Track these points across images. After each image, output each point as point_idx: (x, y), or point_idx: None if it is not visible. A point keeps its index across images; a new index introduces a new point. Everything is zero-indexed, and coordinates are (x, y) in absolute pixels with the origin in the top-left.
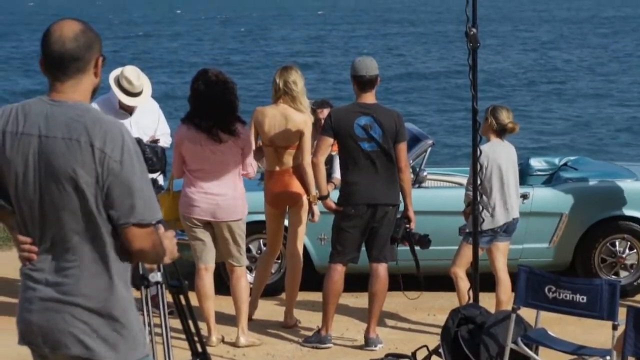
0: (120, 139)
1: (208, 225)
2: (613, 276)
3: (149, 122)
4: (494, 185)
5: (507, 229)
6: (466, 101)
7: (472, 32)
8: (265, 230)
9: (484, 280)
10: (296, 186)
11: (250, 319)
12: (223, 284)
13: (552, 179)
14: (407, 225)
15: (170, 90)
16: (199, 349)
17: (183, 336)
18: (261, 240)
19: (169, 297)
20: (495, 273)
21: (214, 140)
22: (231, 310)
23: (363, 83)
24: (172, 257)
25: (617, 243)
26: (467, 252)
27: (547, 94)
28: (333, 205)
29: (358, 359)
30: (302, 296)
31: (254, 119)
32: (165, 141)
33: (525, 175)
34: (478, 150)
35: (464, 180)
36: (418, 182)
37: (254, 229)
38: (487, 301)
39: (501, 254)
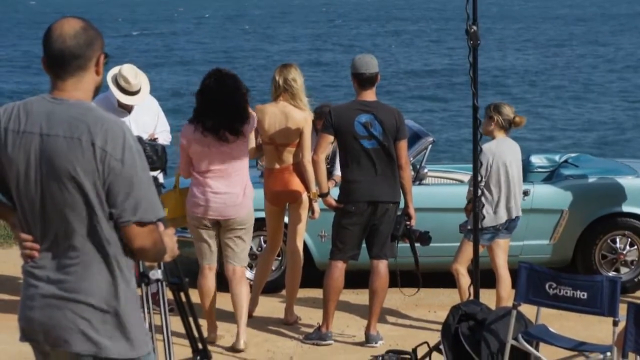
0: (121, 137)
1: (215, 225)
2: (613, 272)
3: (148, 119)
4: (498, 182)
5: (509, 227)
6: (468, 100)
7: (472, 30)
8: (265, 228)
9: (484, 276)
10: (296, 183)
11: (250, 316)
12: (223, 281)
13: (552, 176)
14: (408, 223)
15: (178, 88)
16: (200, 346)
17: (184, 333)
18: (261, 238)
19: (169, 295)
20: (496, 270)
21: (221, 140)
22: (231, 307)
23: (363, 81)
24: (173, 255)
25: (617, 239)
26: (469, 249)
27: (557, 92)
28: (333, 203)
29: (359, 355)
30: (303, 293)
31: None
32: (165, 138)
33: (526, 172)
34: (480, 147)
35: (465, 177)
36: (419, 179)
37: (254, 226)
38: (487, 298)
39: (501, 251)
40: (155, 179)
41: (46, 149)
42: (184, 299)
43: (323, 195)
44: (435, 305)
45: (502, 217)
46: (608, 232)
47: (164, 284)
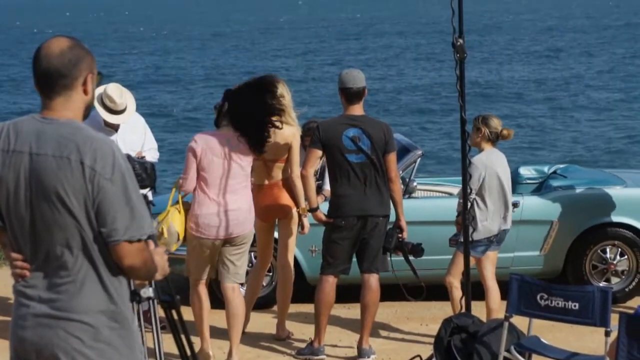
0: (111, 156)
1: (221, 243)
2: (604, 283)
3: (135, 138)
4: (491, 193)
5: (499, 239)
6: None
7: (458, 43)
8: (255, 243)
9: (476, 289)
10: (285, 198)
11: (242, 332)
12: (215, 298)
13: (541, 187)
14: (400, 235)
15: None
16: None
17: (176, 351)
18: (252, 254)
19: (161, 312)
20: (484, 282)
21: (248, 152)
22: (223, 323)
23: (350, 95)
24: (164, 274)
25: (607, 250)
26: (462, 261)
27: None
28: (323, 217)
29: None
30: (294, 308)
31: None
32: (152, 156)
33: (515, 183)
34: (469, 160)
35: (454, 190)
36: (408, 192)
37: None
38: (479, 310)
39: (490, 263)
40: (144, 196)
41: (35, 168)
42: (175, 316)
43: (312, 210)
44: (427, 318)
45: (494, 228)
46: (598, 243)
47: (155, 301)
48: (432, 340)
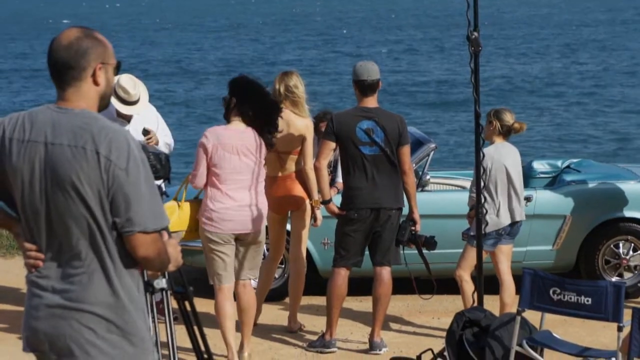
0: (126, 146)
1: (236, 240)
2: (617, 278)
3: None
4: (499, 186)
5: (511, 232)
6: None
7: (473, 36)
8: (267, 235)
9: (488, 283)
10: (298, 190)
11: (254, 324)
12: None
13: (555, 182)
14: (413, 228)
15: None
16: (205, 356)
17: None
18: (265, 245)
19: (174, 304)
20: (499, 276)
21: (256, 147)
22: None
23: (365, 87)
24: (177, 265)
25: (620, 245)
26: (472, 255)
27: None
28: (336, 210)
29: None
30: (306, 300)
31: None
32: (166, 142)
33: (528, 178)
34: (481, 153)
35: (467, 184)
36: (421, 185)
37: None
38: (491, 304)
39: (505, 257)
40: (159, 187)
41: (51, 157)
42: (188, 308)
43: (325, 202)
44: (439, 311)
45: (504, 220)
46: (611, 237)
47: (169, 293)
48: (444, 333)
